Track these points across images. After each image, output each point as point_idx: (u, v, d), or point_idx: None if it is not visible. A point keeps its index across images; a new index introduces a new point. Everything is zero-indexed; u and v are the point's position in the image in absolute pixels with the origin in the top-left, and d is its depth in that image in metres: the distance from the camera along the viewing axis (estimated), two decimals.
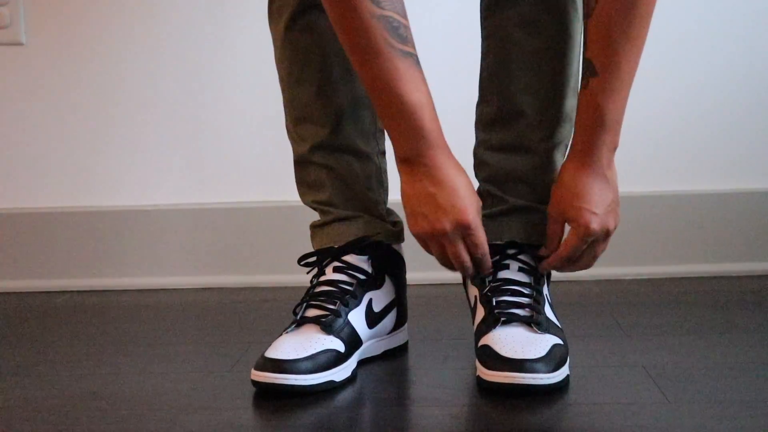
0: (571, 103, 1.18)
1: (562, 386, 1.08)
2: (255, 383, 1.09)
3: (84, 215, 1.77)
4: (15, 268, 1.77)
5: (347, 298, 1.17)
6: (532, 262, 1.18)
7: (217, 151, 1.77)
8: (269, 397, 1.09)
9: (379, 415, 1.06)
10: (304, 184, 1.27)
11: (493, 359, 1.07)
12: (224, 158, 1.77)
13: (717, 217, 1.70)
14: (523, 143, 1.19)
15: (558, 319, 1.17)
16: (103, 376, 1.22)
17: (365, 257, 1.20)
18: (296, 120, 1.24)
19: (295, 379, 1.08)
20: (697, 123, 1.71)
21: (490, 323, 1.12)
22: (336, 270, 1.19)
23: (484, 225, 1.12)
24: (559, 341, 1.11)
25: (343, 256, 1.20)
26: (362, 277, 1.19)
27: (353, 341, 1.15)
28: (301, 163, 1.26)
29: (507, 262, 1.17)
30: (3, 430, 1.04)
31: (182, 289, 1.74)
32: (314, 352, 1.10)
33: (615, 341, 1.29)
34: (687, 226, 1.70)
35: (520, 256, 1.18)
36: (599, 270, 1.68)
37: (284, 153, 1.76)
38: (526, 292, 1.15)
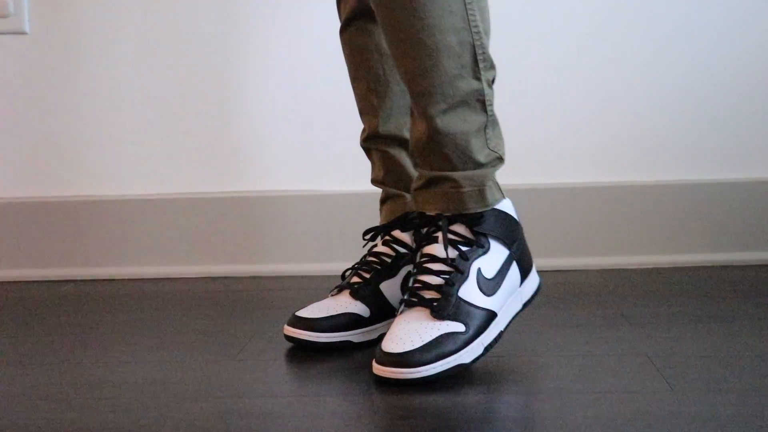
0: (450, 70, 1.14)
1: (442, 377, 1.08)
2: (284, 335, 1.25)
3: (88, 204, 1.77)
4: (19, 258, 1.77)
5: (382, 269, 1.27)
6: (466, 234, 1.16)
7: (221, 142, 1.77)
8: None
9: (381, 404, 1.06)
10: (370, 164, 1.38)
11: (379, 351, 1.11)
12: (229, 148, 1.77)
13: (721, 207, 1.70)
14: (414, 112, 1.18)
15: (491, 294, 1.14)
16: (108, 364, 1.22)
17: (408, 233, 1.29)
18: (359, 111, 1.36)
19: (308, 335, 1.22)
20: (699, 112, 1.71)
21: (402, 306, 1.16)
22: (384, 243, 1.30)
23: (416, 197, 1.19)
24: (458, 329, 1.11)
25: (391, 231, 1.31)
26: (402, 250, 1.28)
27: (382, 308, 1.25)
28: (364, 148, 1.37)
29: (436, 234, 1.16)
30: (7, 418, 1.04)
31: (187, 278, 1.74)
32: (335, 313, 1.23)
33: (618, 330, 1.29)
34: (691, 215, 1.70)
35: (452, 227, 1.16)
36: (603, 259, 1.69)
37: (287, 144, 1.77)
38: (442, 269, 1.14)
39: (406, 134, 1.31)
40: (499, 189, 1.19)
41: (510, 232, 1.18)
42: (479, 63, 1.14)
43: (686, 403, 1.01)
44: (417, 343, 1.09)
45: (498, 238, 1.17)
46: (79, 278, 1.76)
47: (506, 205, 1.19)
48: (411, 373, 1.08)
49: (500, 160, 1.18)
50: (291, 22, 1.74)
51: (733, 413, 0.97)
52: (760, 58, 1.70)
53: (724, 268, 1.66)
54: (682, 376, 1.08)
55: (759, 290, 1.51)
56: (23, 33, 1.77)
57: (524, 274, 1.20)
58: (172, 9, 1.75)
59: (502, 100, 1.66)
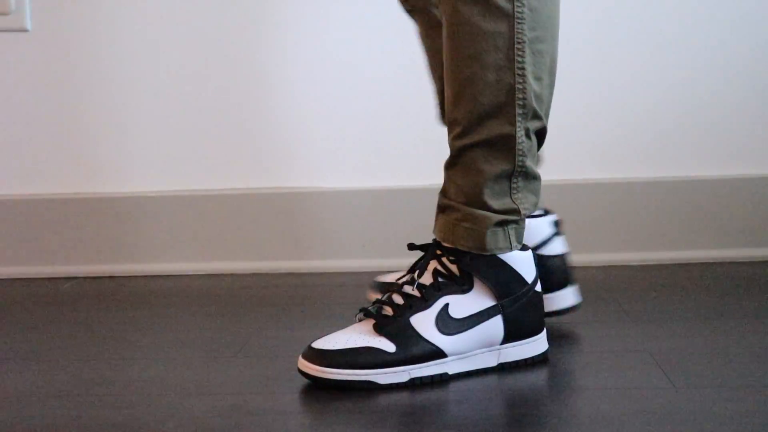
0: (483, 107, 1.10)
1: (352, 387, 1.06)
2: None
3: (89, 202, 1.77)
4: (21, 255, 1.77)
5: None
6: (453, 268, 1.11)
7: (223, 138, 1.77)
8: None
9: (383, 400, 1.06)
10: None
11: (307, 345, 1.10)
12: (231, 145, 1.77)
13: (723, 203, 1.69)
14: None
15: (448, 333, 1.09)
16: (110, 361, 1.22)
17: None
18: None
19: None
20: (701, 109, 1.71)
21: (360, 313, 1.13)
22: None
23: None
24: (386, 347, 1.07)
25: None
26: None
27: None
28: None
29: (431, 260, 1.13)
30: (9, 414, 1.04)
31: (189, 275, 1.74)
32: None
33: (620, 327, 1.29)
34: (693, 212, 1.70)
35: (445, 258, 1.12)
36: (604, 256, 1.69)
37: (290, 141, 1.77)
38: (410, 292, 1.11)
39: None
40: (512, 240, 1.11)
41: (505, 285, 1.11)
42: (516, 108, 1.09)
43: (688, 400, 1.00)
44: (339, 346, 1.08)
45: (486, 285, 1.11)
46: (80, 275, 1.76)
47: (514, 259, 1.12)
48: (318, 371, 1.07)
49: (516, 213, 1.11)
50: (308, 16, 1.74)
51: (735, 410, 0.97)
52: (765, 53, 1.70)
53: (727, 264, 1.66)
54: (684, 373, 1.08)
55: (761, 287, 1.51)
56: (24, 30, 1.77)
57: (513, 336, 1.12)
58: (175, 4, 1.75)
59: None
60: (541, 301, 1.15)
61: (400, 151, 1.73)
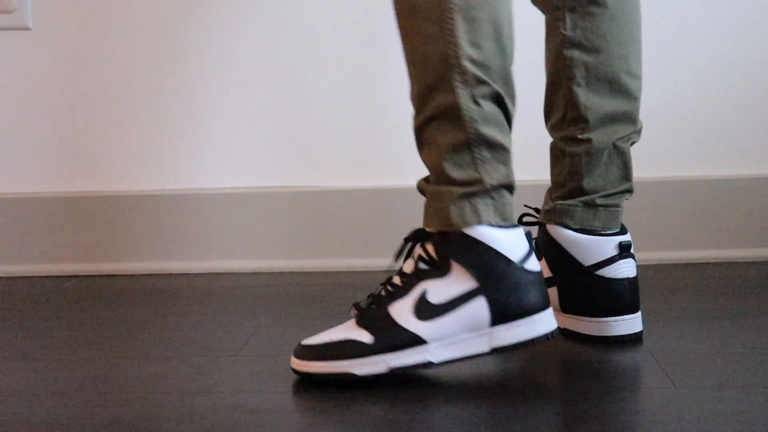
0: (429, 80, 1.09)
1: (331, 380, 1.07)
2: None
3: (90, 200, 1.77)
4: (22, 253, 1.77)
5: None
6: (432, 253, 1.09)
7: (222, 138, 1.77)
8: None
9: (383, 400, 1.06)
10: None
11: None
12: (231, 144, 1.77)
13: (723, 203, 1.69)
14: None
15: (426, 319, 1.06)
16: (111, 359, 1.23)
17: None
18: None
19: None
20: (704, 109, 1.71)
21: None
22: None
23: None
24: (364, 338, 1.07)
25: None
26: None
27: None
28: None
29: (416, 248, 1.12)
30: (10, 412, 1.04)
31: (189, 273, 1.74)
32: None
33: None
34: (693, 211, 1.70)
35: (427, 243, 1.10)
36: None
37: (290, 140, 1.77)
38: (395, 282, 1.10)
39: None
40: (481, 214, 1.07)
41: (484, 265, 1.06)
42: (454, 76, 1.06)
43: (689, 400, 1.00)
44: (324, 341, 1.09)
45: (463, 266, 1.06)
46: (81, 274, 1.76)
47: (492, 237, 1.06)
48: (301, 366, 1.09)
49: (480, 183, 1.06)
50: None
51: (736, 410, 0.97)
52: None
53: (728, 264, 1.66)
54: (685, 373, 1.08)
55: (761, 287, 1.51)
56: (26, 29, 1.77)
57: (504, 317, 1.06)
58: (174, 3, 1.75)
59: None
60: (536, 280, 1.07)
61: (401, 150, 1.73)
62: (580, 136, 1.23)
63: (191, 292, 1.61)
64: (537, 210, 1.29)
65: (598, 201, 1.24)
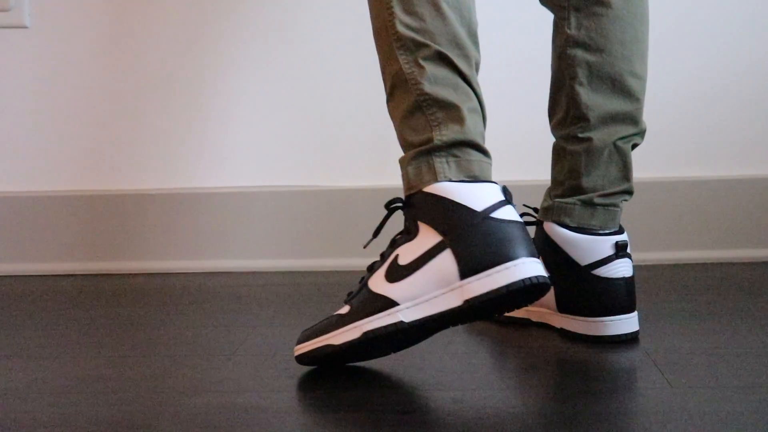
0: (380, 50, 1.15)
1: (303, 361, 1.12)
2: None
3: (88, 199, 1.77)
4: (20, 252, 1.77)
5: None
6: (406, 221, 1.10)
7: (221, 137, 1.77)
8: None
9: (382, 399, 1.06)
10: None
11: None
12: (230, 143, 1.77)
13: (723, 203, 1.69)
14: None
15: (393, 280, 1.06)
16: (108, 358, 1.22)
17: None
18: None
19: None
20: (702, 109, 1.71)
21: None
22: None
23: None
24: (343, 311, 1.10)
25: None
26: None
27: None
28: None
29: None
30: (7, 411, 1.04)
31: (185, 273, 1.74)
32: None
33: None
34: (693, 211, 1.70)
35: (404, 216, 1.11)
36: None
37: (289, 140, 1.77)
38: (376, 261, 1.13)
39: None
40: (438, 171, 1.07)
41: (447, 219, 1.04)
42: (393, 44, 1.10)
43: (685, 400, 1.00)
44: (314, 324, 1.14)
45: (428, 224, 1.06)
46: (78, 273, 1.76)
47: (456, 191, 1.05)
48: (295, 351, 1.13)
49: (429, 140, 1.08)
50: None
51: (732, 410, 0.97)
52: None
53: (727, 264, 1.66)
54: (681, 373, 1.08)
55: (759, 287, 1.51)
56: (24, 27, 1.77)
57: (473, 268, 1.02)
58: (173, 2, 1.75)
59: (509, 97, 1.67)
60: (509, 228, 1.04)
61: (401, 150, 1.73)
62: (580, 135, 1.23)
63: (188, 292, 1.61)
64: (536, 210, 1.29)
65: (597, 200, 1.23)
